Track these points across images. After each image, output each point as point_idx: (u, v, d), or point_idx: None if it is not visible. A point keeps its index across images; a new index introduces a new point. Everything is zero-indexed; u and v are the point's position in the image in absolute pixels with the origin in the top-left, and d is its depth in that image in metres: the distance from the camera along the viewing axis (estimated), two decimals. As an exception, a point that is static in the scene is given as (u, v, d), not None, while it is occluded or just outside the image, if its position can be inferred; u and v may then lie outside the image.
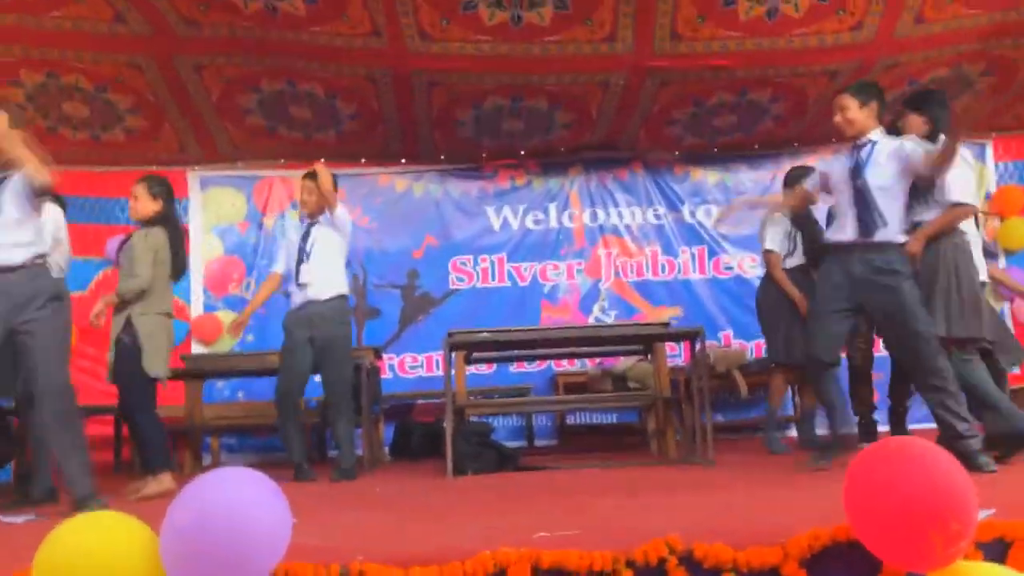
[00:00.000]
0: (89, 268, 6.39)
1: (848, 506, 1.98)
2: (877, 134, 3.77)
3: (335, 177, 4.84)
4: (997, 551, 2.09)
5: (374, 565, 2.08)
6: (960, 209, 3.81)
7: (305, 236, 4.76)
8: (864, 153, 3.73)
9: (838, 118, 3.82)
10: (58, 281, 3.57)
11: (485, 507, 3.20)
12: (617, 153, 7.00)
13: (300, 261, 4.69)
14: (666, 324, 5.34)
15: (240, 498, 1.89)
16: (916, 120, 4.01)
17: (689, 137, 6.77)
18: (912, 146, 3.68)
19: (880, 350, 4.98)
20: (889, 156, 3.69)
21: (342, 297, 4.73)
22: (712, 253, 6.97)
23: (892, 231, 3.65)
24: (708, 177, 7.03)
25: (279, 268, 4.92)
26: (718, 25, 5.36)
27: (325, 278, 4.67)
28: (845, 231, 3.73)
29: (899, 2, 5.23)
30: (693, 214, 7.00)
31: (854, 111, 3.77)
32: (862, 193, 3.68)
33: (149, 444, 4.14)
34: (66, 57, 5.36)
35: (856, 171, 3.72)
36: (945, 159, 3.59)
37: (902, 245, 3.68)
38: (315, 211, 4.77)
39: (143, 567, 1.90)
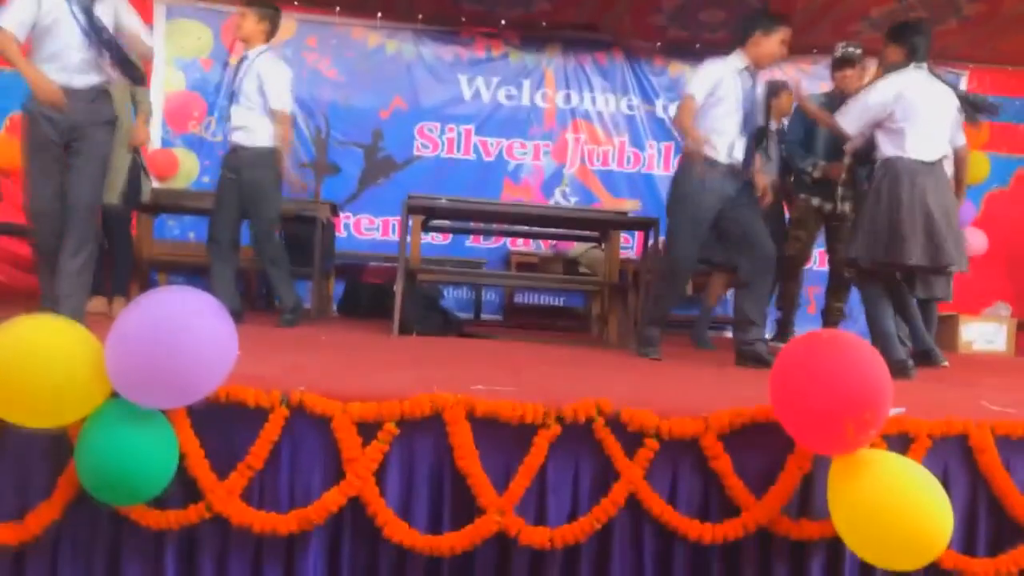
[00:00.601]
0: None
1: (773, 387, 2.09)
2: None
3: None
4: (900, 445, 2.23)
5: (314, 395, 2.15)
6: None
7: (236, 71, 4.51)
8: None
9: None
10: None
11: (426, 361, 3.28)
12: (598, 35, 6.85)
13: (230, 101, 4.48)
14: (624, 213, 5.38)
15: (187, 312, 1.92)
16: (894, 50, 3.94)
17: (674, 28, 6.63)
18: None
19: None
20: None
21: (270, 149, 4.42)
22: (678, 150, 6.96)
23: None
24: (687, 73, 6.93)
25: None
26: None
27: (253, 124, 4.40)
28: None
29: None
30: (666, 109, 6.95)
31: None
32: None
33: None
34: None
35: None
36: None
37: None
38: (248, 38, 4.44)
39: (87, 371, 1.93)
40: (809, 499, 2.23)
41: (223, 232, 4.44)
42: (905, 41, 3.84)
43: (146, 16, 6.21)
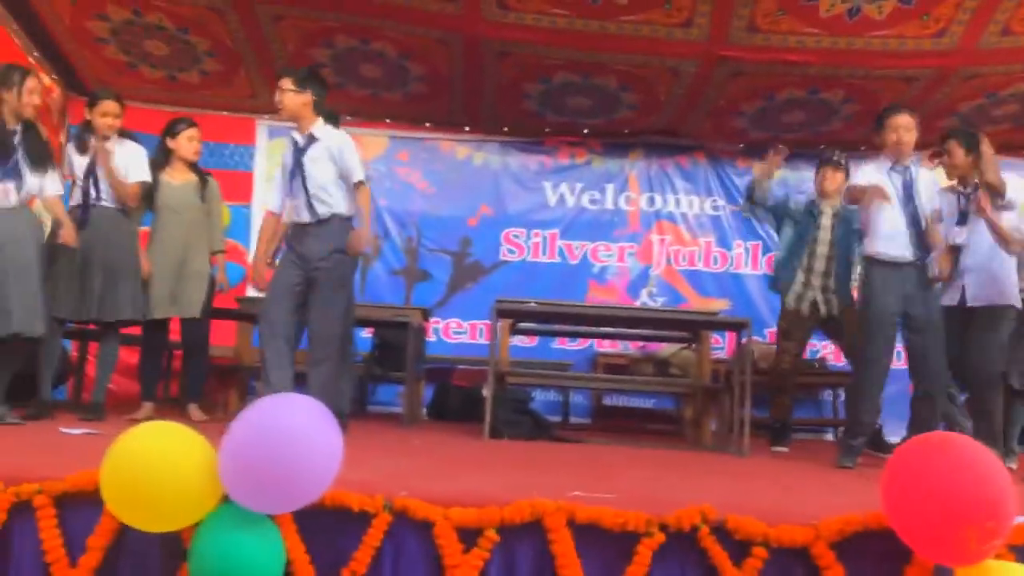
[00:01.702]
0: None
1: (885, 493, 2.01)
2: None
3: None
4: (1030, 556, 2.10)
5: (416, 501, 2.17)
6: None
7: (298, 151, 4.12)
8: (912, 173, 4.00)
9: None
10: None
11: (520, 465, 3.27)
12: (680, 140, 6.99)
13: (292, 177, 4.08)
14: (714, 313, 5.34)
15: (298, 421, 1.99)
16: (959, 152, 4.11)
17: (755, 131, 6.72)
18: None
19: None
20: (927, 185, 4.04)
21: (341, 218, 4.07)
22: (767, 249, 6.92)
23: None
24: (771, 173, 6.96)
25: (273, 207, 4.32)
26: (797, 20, 5.29)
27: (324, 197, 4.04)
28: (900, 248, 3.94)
29: (987, 12, 5.11)
30: (745, 209, 6.95)
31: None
32: (917, 215, 3.94)
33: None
34: (153, -5, 5.51)
35: (910, 191, 3.96)
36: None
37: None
38: (292, 114, 4.10)
39: (202, 477, 2.01)
40: (932, 614, 2.10)
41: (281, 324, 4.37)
42: (974, 151, 4.03)
43: (249, 137, 6.71)
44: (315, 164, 4.01)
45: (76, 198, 4.35)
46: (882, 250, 3.95)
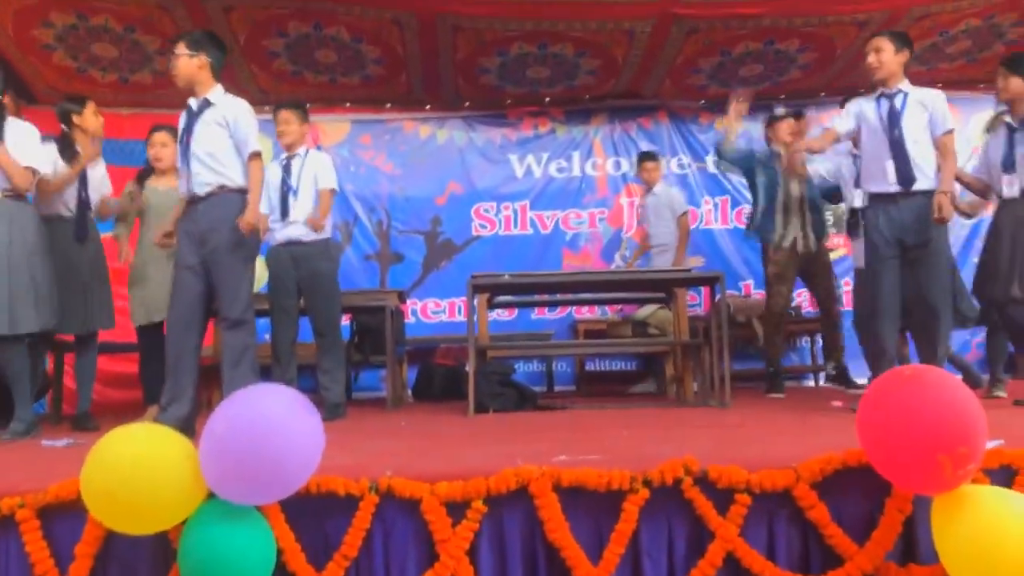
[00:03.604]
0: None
1: (861, 429, 2.05)
2: (907, 84, 3.85)
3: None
4: (1003, 478, 2.15)
5: (401, 480, 2.19)
6: None
7: (287, 168, 4.59)
8: (898, 102, 3.81)
9: (871, 58, 3.89)
10: None
11: (506, 437, 3.29)
12: (642, 101, 6.98)
13: (285, 195, 4.52)
14: (687, 270, 5.37)
15: (277, 410, 1.99)
16: (1018, 82, 4.02)
17: (714, 86, 6.72)
18: (938, 111, 3.87)
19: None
20: (921, 107, 3.86)
21: (326, 239, 4.61)
22: (735, 203, 6.96)
23: (927, 181, 3.83)
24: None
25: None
26: (747, -28, 5.31)
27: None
28: (884, 181, 3.86)
29: (933, -50, 5.14)
30: (717, 164, 6.98)
31: (888, 53, 3.83)
32: (899, 143, 3.82)
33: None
34: (96, -3, 5.40)
35: (892, 120, 3.82)
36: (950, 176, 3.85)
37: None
38: (294, 143, 4.61)
39: (184, 475, 2.01)
40: (914, 543, 2.15)
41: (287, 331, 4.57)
42: None
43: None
44: (207, 130, 3.68)
45: (69, 208, 4.27)
46: (868, 187, 3.97)
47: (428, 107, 6.97)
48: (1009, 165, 4.05)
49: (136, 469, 1.96)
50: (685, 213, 6.15)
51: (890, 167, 3.84)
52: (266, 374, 4.25)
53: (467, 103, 6.94)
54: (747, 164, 5.29)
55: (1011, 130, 4.08)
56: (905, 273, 3.91)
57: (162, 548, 2.12)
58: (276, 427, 1.95)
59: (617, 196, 7.06)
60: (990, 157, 4.21)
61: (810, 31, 5.94)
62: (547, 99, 6.94)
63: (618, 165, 7.08)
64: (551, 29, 5.88)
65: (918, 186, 3.83)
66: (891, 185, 3.86)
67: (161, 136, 4.61)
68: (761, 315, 5.63)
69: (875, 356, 3.95)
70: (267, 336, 4.91)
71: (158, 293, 4.41)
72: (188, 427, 3.37)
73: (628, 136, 7.08)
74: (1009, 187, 4.06)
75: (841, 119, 4.11)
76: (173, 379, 3.55)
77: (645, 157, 6.26)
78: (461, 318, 6.75)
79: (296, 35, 5.92)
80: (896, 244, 3.88)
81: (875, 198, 3.95)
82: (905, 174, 3.83)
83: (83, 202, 4.30)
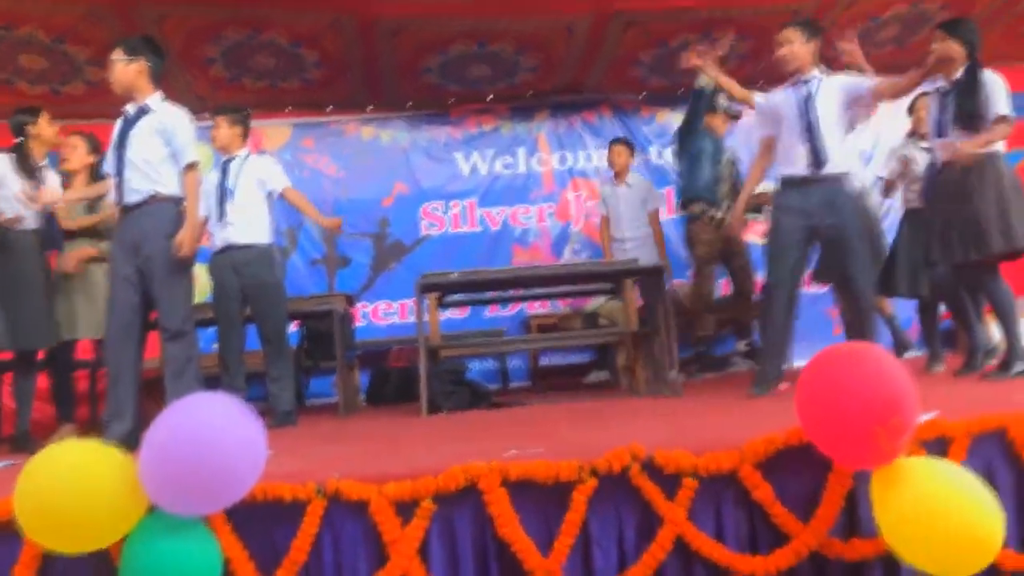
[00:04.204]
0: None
1: (799, 408, 2.09)
2: (819, 71, 3.95)
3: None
4: (939, 449, 2.21)
5: (349, 482, 2.17)
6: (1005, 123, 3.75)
7: (224, 170, 4.50)
8: (812, 87, 3.88)
9: (782, 51, 3.96)
10: None
11: (458, 436, 3.29)
12: (584, 96, 7.01)
13: (222, 197, 4.43)
14: (634, 262, 5.41)
15: (216, 418, 1.95)
16: (955, 46, 3.88)
17: (654, 78, 6.79)
18: (852, 79, 3.95)
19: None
20: (834, 91, 3.94)
21: (268, 244, 4.50)
22: (679, 195, 7.02)
23: (838, 165, 3.91)
24: (674, 118, 7.02)
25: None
26: (681, -36, 5.37)
27: (249, 220, 4.40)
28: (797, 165, 3.92)
29: (858, -62, 5.26)
30: (660, 155, 7.05)
31: (798, 44, 3.92)
32: (812, 128, 3.88)
33: None
34: (22, 7, 5.25)
35: (807, 106, 3.89)
36: (909, 87, 3.82)
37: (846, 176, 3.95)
38: (225, 147, 4.54)
39: (121, 489, 1.96)
40: (857, 518, 2.20)
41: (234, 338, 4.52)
42: (966, 37, 3.85)
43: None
44: (143, 137, 3.61)
45: (35, 222, 4.15)
46: (781, 171, 4.06)
47: (370, 108, 6.92)
48: (945, 128, 3.94)
49: (70, 485, 1.91)
50: (656, 209, 6.13)
51: (803, 151, 3.91)
52: (214, 384, 4.17)
53: (410, 103, 6.90)
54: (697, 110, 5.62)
55: (943, 94, 3.96)
56: (827, 251, 4.07)
57: (104, 566, 2.07)
58: (216, 434, 1.92)
59: (564, 191, 7.09)
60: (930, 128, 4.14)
61: (746, 20, 6.02)
62: (490, 97, 6.94)
63: (564, 160, 7.11)
64: (490, 28, 5.89)
65: (828, 170, 3.90)
66: (803, 169, 3.93)
67: (74, 139, 4.57)
68: (687, 295, 5.76)
69: (761, 328, 4.09)
70: (214, 346, 4.84)
71: (73, 309, 4.33)
72: (132, 443, 3.28)
73: (573, 130, 7.12)
74: (946, 150, 3.91)
75: (759, 102, 4.22)
76: (113, 395, 3.48)
77: (615, 141, 6.19)
78: (413, 319, 6.70)
79: (233, 41, 5.83)
80: (804, 228, 3.92)
81: (787, 182, 4.03)
82: (817, 158, 3.89)
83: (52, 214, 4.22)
